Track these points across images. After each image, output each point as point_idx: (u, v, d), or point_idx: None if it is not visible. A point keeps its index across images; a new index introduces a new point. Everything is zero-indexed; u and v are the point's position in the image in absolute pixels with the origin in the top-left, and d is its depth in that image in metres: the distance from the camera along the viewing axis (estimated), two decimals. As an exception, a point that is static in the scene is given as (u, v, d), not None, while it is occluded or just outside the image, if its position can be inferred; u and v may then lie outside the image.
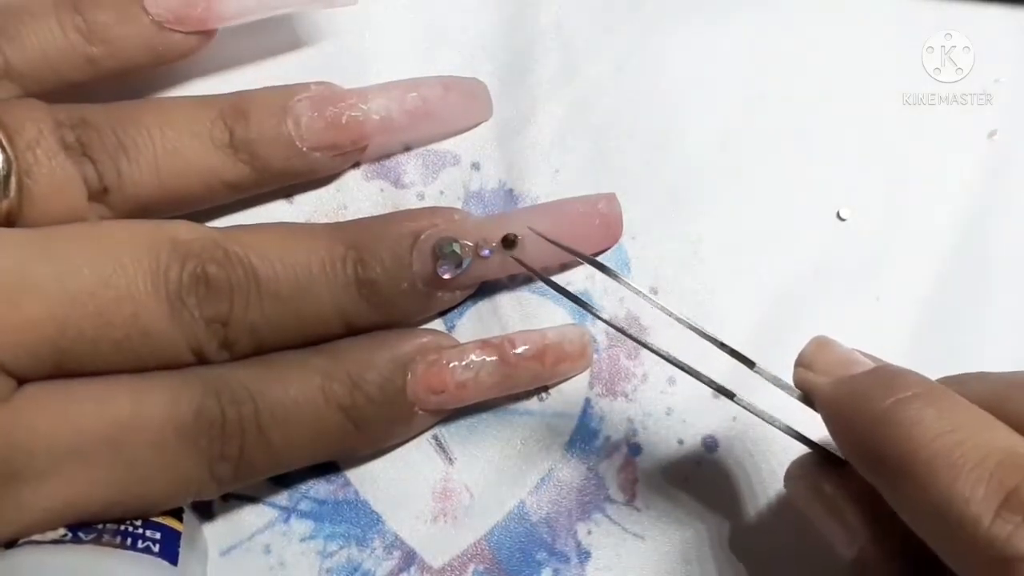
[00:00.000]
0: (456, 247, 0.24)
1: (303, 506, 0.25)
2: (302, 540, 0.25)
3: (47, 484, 0.21)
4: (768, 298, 0.27)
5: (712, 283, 0.27)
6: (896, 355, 0.26)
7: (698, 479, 0.26)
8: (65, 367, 0.22)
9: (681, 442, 0.26)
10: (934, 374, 0.26)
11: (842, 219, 0.28)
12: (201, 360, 0.23)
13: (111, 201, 0.24)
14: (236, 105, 0.25)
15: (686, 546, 0.25)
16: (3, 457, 0.21)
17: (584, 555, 0.25)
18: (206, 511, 0.25)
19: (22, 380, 0.22)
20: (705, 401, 0.26)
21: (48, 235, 0.22)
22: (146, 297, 0.22)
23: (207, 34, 0.26)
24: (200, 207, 0.26)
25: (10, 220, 0.23)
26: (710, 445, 0.26)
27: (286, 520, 0.25)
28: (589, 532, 0.25)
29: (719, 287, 0.27)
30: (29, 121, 0.23)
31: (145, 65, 0.25)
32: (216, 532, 0.25)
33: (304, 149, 0.25)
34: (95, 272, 0.22)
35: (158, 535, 0.22)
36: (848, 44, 0.29)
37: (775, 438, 0.26)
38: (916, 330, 0.27)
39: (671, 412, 0.26)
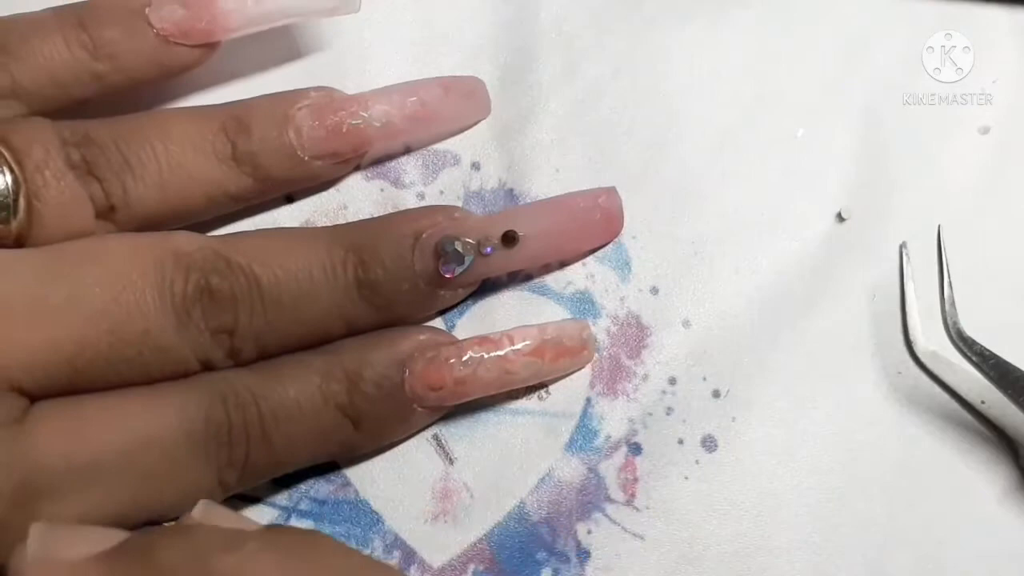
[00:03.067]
0: (458, 245, 0.24)
1: (303, 506, 0.25)
2: (302, 540, 0.25)
3: (63, 501, 0.21)
4: (768, 297, 0.27)
5: (712, 283, 0.27)
6: (893, 354, 0.27)
7: (698, 479, 0.26)
8: (78, 384, 0.22)
9: (681, 442, 0.26)
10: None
11: (842, 219, 0.28)
12: (207, 368, 0.23)
13: (117, 219, 0.24)
14: (238, 117, 0.25)
15: (686, 546, 0.25)
16: (23, 479, 0.21)
17: (584, 555, 0.25)
18: (206, 511, 0.25)
19: (34, 398, 0.22)
20: (705, 401, 0.26)
21: (58, 255, 0.22)
22: (155, 312, 0.22)
23: (211, 46, 0.26)
24: (204, 219, 0.26)
25: (19, 242, 0.23)
26: (710, 445, 0.26)
27: (286, 520, 0.25)
28: (589, 532, 0.25)
29: (719, 287, 0.27)
30: (37, 142, 0.23)
31: (151, 79, 0.25)
32: (216, 532, 0.25)
33: (306, 158, 0.25)
34: (106, 290, 0.22)
35: None
36: (848, 44, 0.29)
37: (775, 438, 0.26)
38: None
39: (671, 412, 0.26)
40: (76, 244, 0.23)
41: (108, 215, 0.24)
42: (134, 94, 0.26)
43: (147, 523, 0.23)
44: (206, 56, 0.26)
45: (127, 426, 0.22)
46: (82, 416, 0.22)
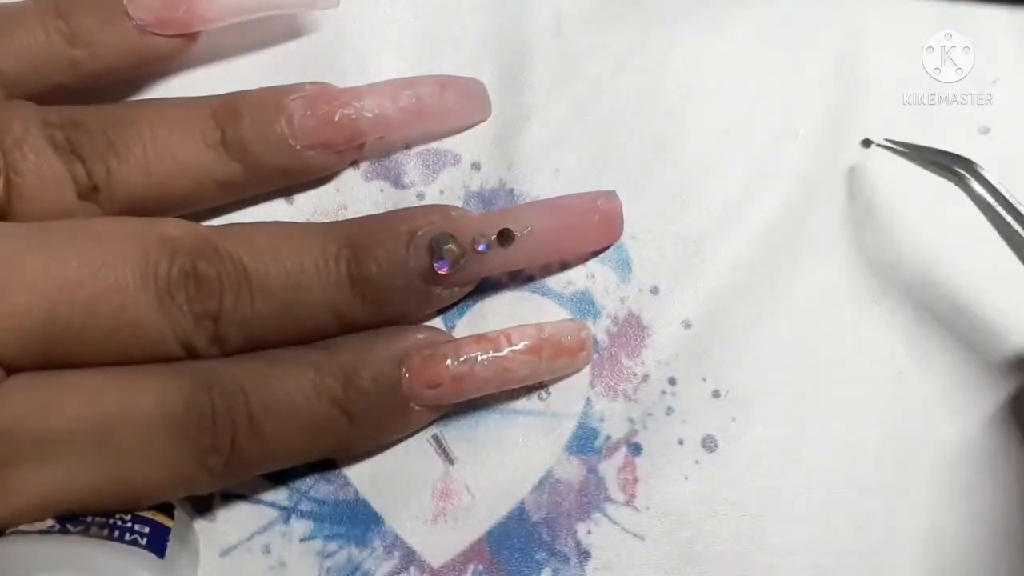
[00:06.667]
0: (452, 242, 0.24)
1: (303, 506, 0.25)
2: (302, 540, 0.25)
3: (34, 472, 0.21)
4: (768, 298, 0.27)
5: (712, 283, 0.27)
6: (896, 352, 0.27)
7: (698, 479, 0.26)
8: (53, 358, 0.22)
9: (681, 442, 0.26)
10: (935, 367, 0.26)
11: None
12: (191, 355, 0.23)
13: (101, 200, 0.24)
14: (229, 104, 0.25)
15: (686, 546, 0.25)
16: None
17: (584, 555, 0.25)
18: (206, 510, 0.25)
19: (10, 370, 0.22)
20: (705, 401, 0.26)
21: (38, 228, 0.22)
22: (135, 290, 0.22)
23: (190, 37, 0.26)
24: (194, 207, 0.26)
25: (1, 215, 0.23)
26: (710, 445, 0.26)
27: (286, 520, 0.25)
28: (589, 532, 0.25)
29: (720, 287, 0.27)
30: (16, 119, 0.23)
31: (128, 68, 0.26)
32: (216, 532, 0.25)
33: (298, 148, 0.25)
34: (84, 264, 0.22)
35: (147, 529, 0.22)
36: (848, 44, 0.29)
37: (775, 438, 0.26)
38: (915, 329, 0.27)
39: (671, 412, 0.26)
40: (62, 221, 0.23)
41: (91, 196, 0.24)
42: (129, 85, 0.26)
43: (128, 505, 0.23)
44: (185, 47, 0.26)
45: (102, 401, 0.22)
46: (57, 388, 0.22)
